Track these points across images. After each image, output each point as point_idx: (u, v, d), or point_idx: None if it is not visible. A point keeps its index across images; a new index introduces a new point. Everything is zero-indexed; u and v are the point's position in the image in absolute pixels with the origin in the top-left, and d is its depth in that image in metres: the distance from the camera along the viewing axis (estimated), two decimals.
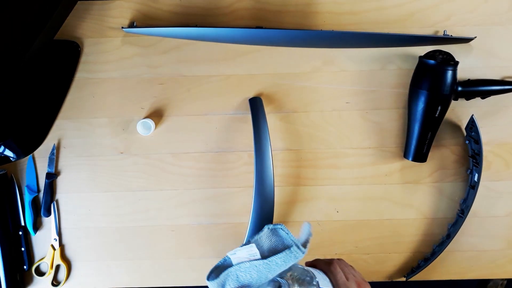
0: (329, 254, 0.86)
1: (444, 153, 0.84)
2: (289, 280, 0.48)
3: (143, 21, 0.82)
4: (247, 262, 0.46)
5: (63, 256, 0.86)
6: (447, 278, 0.86)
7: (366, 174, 0.84)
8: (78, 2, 0.81)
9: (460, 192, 0.84)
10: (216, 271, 0.48)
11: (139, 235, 0.85)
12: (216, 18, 0.81)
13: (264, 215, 0.79)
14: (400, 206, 0.85)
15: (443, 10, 0.81)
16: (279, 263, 0.46)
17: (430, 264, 0.83)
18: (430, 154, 0.81)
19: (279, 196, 0.83)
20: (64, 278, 0.86)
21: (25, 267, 0.85)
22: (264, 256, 0.47)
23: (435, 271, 0.86)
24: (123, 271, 0.87)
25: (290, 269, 0.49)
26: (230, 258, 0.48)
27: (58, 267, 0.86)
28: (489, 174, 0.83)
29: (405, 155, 0.82)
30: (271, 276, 0.47)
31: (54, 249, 0.85)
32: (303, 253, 0.48)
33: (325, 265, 0.56)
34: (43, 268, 0.86)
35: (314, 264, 0.58)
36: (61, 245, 0.86)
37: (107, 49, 0.82)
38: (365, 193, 0.84)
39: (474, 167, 0.80)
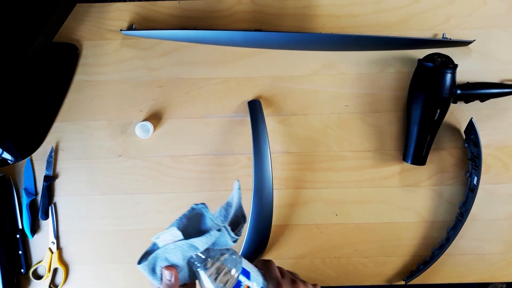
0: (328, 257, 0.86)
1: (443, 156, 0.83)
2: (209, 261, 0.49)
3: (142, 23, 0.81)
4: (172, 244, 0.49)
5: (61, 259, 0.86)
6: (447, 282, 0.86)
7: (365, 177, 0.84)
8: (77, 4, 0.81)
9: (459, 195, 0.84)
10: (146, 256, 0.51)
11: (138, 238, 0.85)
12: (215, 20, 0.81)
13: (263, 218, 0.78)
14: (399, 209, 0.85)
15: (442, 13, 0.81)
16: (200, 244, 0.48)
17: (430, 268, 0.82)
18: (429, 157, 0.81)
19: (278, 199, 0.83)
20: (62, 282, 0.85)
21: (22, 270, 0.85)
22: (189, 236, 0.49)
23: (434, 275, 0.85)
24: (121, 274, 0.86)
25: (222, 253, 0.51)
26: (156, 243, 0.51)
27: (55, 270, 0.86)
28: (488, 177, 0.83)
29: (404, 158, 0.82)
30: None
31: (52, 252, 0.85)
32: (222, 232, 0.50)
33: (263, 263, 0.57)
34: (40, 271, 0.86)
35: (255, 265, 0.58)
36: (59, 248, 0.85)
37: (106, 52, 0.82)
38: (364, 196, 0.84)
39: (473, 170, 0.80)
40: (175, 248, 0.49)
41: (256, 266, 0.56)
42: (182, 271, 0.51)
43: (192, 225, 0.52)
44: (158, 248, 0.51)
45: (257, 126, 0.79)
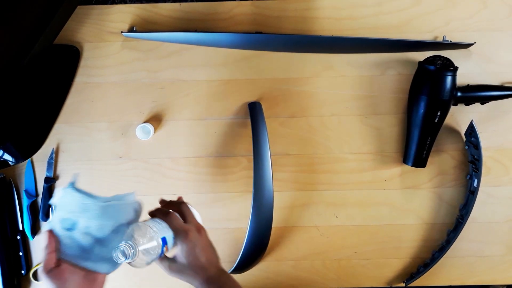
0: (328, 259, 0.86)
1: (444, 158, 0.83)
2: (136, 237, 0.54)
3: (142, 25, 0.82)
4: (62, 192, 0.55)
5: None
6: (447, 284, 0.86)
7: (365, 179, 0.84)
8: (78, 6, 0.81)
9: (459, 197, 0.84)
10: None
11: None
12: (215, 23, 0.81)
13: (263, 220, 0.78)
14: (399, 211, 0.85)
15: (443, 16, 0.81)
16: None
17: (430, 270, 0.82)
18: (429, 159, 0.81)
19: (278, 201, 0.83)
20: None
21: (22, 271, 0.85)
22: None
23: (434, 277, 0.85)
24: (121, 275, 0.86)
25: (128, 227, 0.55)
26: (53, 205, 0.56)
27: None
28: (488, 180, 0.83)
29: (405, 161, 0.82)
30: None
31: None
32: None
33: (163, 215, 0.59)
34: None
35: (154, 214, 0.61)
36: None
37: (107, 54, 0.82)
38: (365, 198, 0.84)
39: (473, 173, 0.80)
40: (64, 195, 0.54)
41: (158, 216, 0.59)
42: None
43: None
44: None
45: (258, 128, 0.79)
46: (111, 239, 0.53)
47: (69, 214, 0.53)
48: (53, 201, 0.55)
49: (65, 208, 0.54)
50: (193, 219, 0.62)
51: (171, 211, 0.61)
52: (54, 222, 0.54)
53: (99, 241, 0.53)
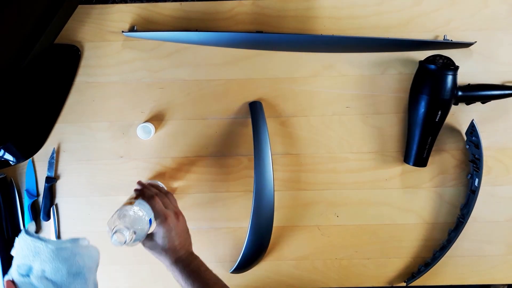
0: (329, 259, 0.86)
1: (445, 158, 0.83)
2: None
3: (143, 25, 0.82)
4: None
5: None
6: (448, 284, 0.86)
7: (366, 178, 0.84)
8: (79, 6, 0.81)
9: (460, 197, 0.84)
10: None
11: None
12: (216, 22, 0.81)
13: (263, 219, 0.78)
14: (400, 211, 0.85)
15: (443, 15, 0.81)
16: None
17: (431, 269, 0.82)
18: (430, 159, 0.81)
19: (279, 200, 0.83)
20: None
21: None
22: None
23: (435, 276, 0.85)
24: (122, 275, 0.86)
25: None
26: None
27: None
28: (489, 179, 0.83)
29: (406, 160, 0.82)
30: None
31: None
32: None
33: (147, 198, 0.68)
34: None
35: (140, 194, 0.70)
36: None
37: (107, 53, 0.82)
38: (365, 198, 0.84)
39: (474, 172, 0.80)
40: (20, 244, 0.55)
41: (144, 198, 0.68)
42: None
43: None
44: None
45: (258, 127, 0.79)
46: (69, 283, 0.54)
47: (23, 259, 0.53)
48: (12, 252, 0.56)
49: (19, 254, 0.54)
50: (171, 204, 0.70)
51: (155, 195, 0.68)
52: (12, 270, 0.54)
53: (57, 286, 0.53)
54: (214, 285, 0.63)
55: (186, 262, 0.65)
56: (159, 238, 0.66)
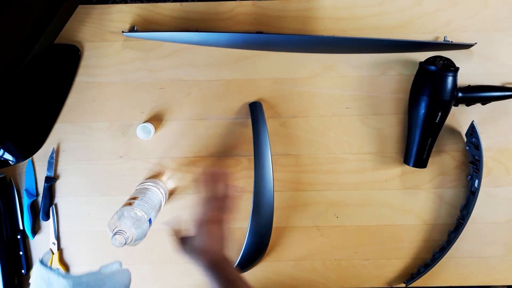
0: (329, 259, 0.86)
1: (445, 159, 0.83)
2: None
3: (143, 25, 0.82)
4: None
5: (62, 260, 0.86)
6: (447, 285, 0.86)
7: (366, 179, 0.84)
8: (79, 6, 0.81)
9: (460, 198, 0.84)
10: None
11: None
12: (216, 23, 0.81)
13: (263, 220, 0.78)
14: (400, 212, 0.84)
15: (444, 16, 0.81)
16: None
17: (430, 271, 0.82)
18: (430, 160, 0.81)
19: (278, 201, 0.83)
20: None
21: (23, 271, 0.85)
22: None
23: (435, 278, 0.85)
24: None
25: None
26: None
27: None
28: (489, 180, 0.83)
29: (405, 161, 0.82)
30: None
31: (53, 253, 0.85)
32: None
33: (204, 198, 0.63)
34: None
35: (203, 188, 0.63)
36: (60, 249, 0.86)
37: (108, 53, 0.82)
38: (365, 199, 0.84)
39: (474, 173, 0.80)
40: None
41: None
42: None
43: None
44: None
45: (258, 128, 0.79)
46: None
47: None
48: (30, 281, 0.57)
49: (34, 284, 0.55)
50: (228, 203, 0.63)
51: (211, 198, 0.63)
52: None
53: None
54: None
55: (219, 268, 0.60)
56: (199, 241, 0.62)
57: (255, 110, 0.81)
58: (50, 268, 0.56)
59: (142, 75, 0.82)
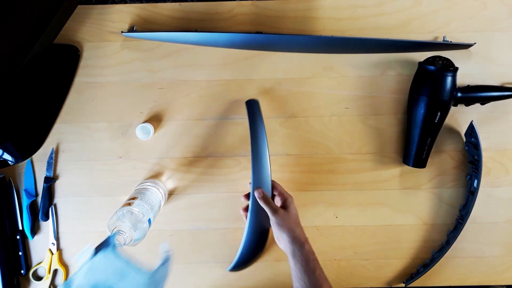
0: (328, 259, 0.86)
1: (444, 159, 0.83)
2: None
3: (143, 25, 0.82)
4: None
5: (61, 261, 0.86)
6: (447, 285, 0.86)
7: (365, 179, 0.84)
8: (78, 6, 0.81)
9: (459, 198, 0.84)
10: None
11: None
12: (215, 23, 0.81)
13: (262, 220, 0.78)
14: (399, 212, 0.85)
15: (443, 16, 0.81)
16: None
17: (429, 270, 0.82)
18: (429, 160, 0.81)
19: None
20: (62, 283, 0.85)
21: (22, 271, 0.85)
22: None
23: (434, 278, 0.85)
24: None
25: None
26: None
27: (55, 271, 0.86)
28: (488, 180, 0.83)
29: (405, 161, 0.82)
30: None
31: (52, 253, 0.85)
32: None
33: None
34: (40, 272, 0.86)
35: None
36: (59, 250, 0.86)
37: (107, 54, 0.82)
38: (364, 199, 0.84)
39: (473, 173, 0.80)
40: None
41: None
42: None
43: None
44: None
45: (255, 124, 0.77)
46: None
47: (104, 277, 0.53)
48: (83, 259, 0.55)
49: (98, 268, 0.53)
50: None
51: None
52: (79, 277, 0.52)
53: None
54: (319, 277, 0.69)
55: (302, 242, 0.71)
56: (291, 216, 0.72)
57: (252, 106, 0.79)
58: (125, 258, 0.54)
59: (142, 75, 0.82)
